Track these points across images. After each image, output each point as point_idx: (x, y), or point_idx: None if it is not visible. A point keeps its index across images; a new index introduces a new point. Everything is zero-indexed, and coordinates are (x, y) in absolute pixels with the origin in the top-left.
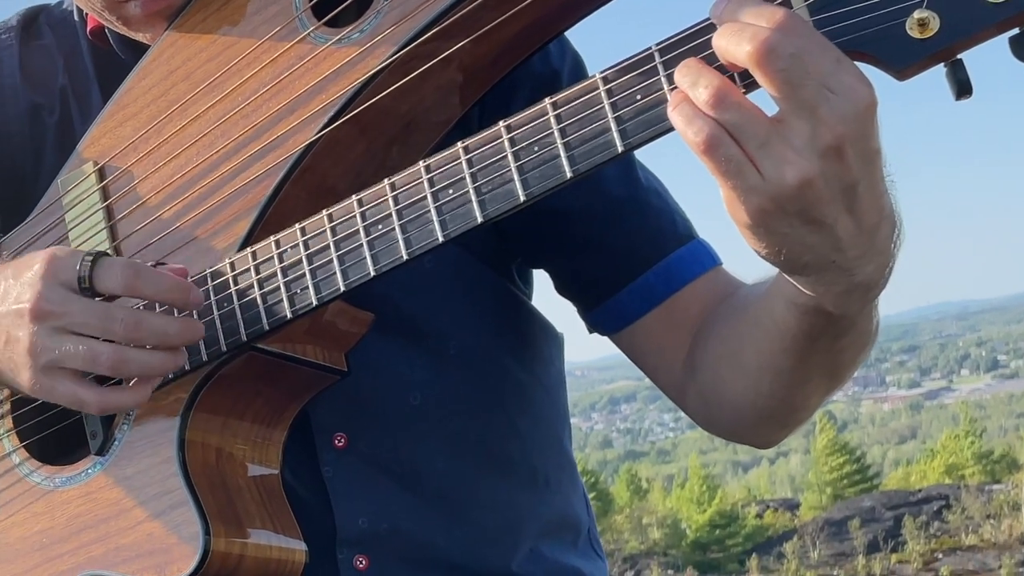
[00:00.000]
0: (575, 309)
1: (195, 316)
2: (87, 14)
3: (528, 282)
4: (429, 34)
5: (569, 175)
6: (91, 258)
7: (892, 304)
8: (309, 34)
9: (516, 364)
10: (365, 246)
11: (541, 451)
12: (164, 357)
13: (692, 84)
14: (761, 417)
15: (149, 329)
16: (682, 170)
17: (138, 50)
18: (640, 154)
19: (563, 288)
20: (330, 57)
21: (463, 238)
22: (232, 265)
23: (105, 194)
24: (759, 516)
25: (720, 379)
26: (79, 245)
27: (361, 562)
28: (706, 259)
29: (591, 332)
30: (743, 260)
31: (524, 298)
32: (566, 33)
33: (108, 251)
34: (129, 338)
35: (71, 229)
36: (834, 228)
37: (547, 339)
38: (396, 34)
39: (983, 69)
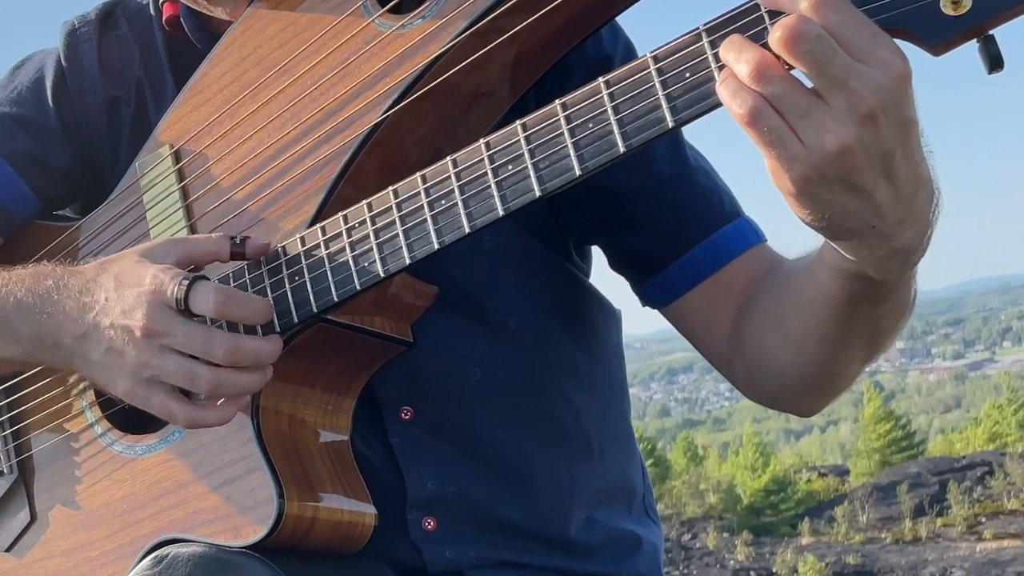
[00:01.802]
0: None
1: (268, 290)
2: (162, 4)
3: (586, 259)
4: (488, 19)
5: (622, 150)
6: (187, 281)
7: (937, 279)
8: (374, 21)
9: (571, 339)
10: (429, 220)
11: (596, 423)
12: (254, 378)
13: (735, 59)
14: (804, 384)
15: (245, 352)
16: (728, 151)
17: (212, 38)
18: (688, 138)
19: (615, 264)
20: (394, 42)
21: (520, 216)
22: (303, 240)
23: (181, 175)
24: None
25: (765, 348)
26: (156, 224)
27: (429, 524)
28: (751, 236)
29: (643, 306)
30: (785, 238)
31: (581, 275)
32: (618, 20)
33: (185, 231)
34: (227, 360)
35: (148, 210)
36: (873, 194)
37: (603, 315)
38: (457, 19)
39: None
